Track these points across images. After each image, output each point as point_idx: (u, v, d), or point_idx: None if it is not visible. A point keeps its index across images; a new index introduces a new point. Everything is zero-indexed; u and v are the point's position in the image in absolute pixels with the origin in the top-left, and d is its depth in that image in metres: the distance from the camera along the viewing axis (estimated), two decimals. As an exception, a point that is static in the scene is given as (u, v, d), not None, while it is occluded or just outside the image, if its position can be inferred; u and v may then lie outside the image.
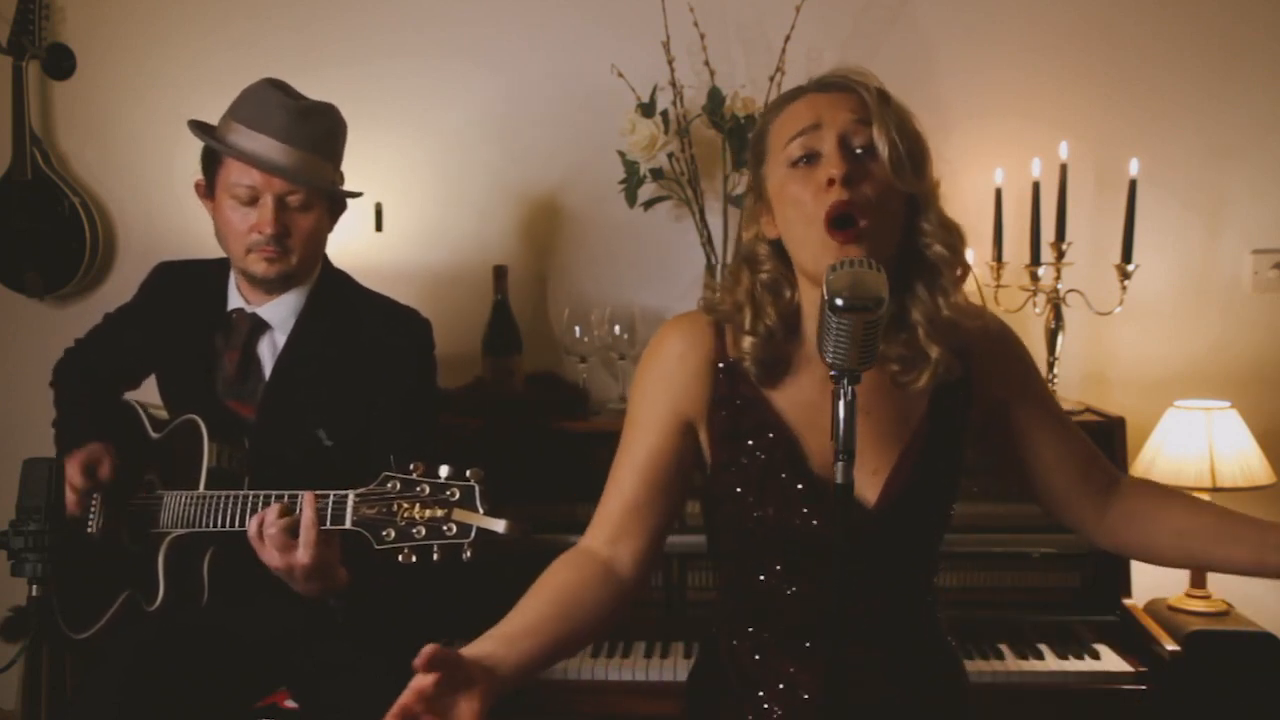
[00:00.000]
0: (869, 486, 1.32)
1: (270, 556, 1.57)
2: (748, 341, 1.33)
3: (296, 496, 1.59)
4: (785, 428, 1.34)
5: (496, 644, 1.23)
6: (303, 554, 1.55)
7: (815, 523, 1.31)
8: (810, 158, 1.28)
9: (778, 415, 1.34)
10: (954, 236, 1.33)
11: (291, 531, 1.55)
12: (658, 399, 1.37)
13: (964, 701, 1.44)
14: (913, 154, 1.28)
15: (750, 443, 1.34)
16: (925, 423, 1.35)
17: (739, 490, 1.35)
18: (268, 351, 1.88)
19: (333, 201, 1.90)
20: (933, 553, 1.43)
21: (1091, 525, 1.46)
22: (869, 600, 1.32)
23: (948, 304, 1.31)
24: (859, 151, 1.27)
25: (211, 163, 1.85)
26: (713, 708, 1.43)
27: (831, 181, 1.24)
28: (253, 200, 1.80)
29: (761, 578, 1.36)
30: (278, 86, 1.84)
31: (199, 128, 1.86)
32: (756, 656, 1.38)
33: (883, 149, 1.26)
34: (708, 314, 1.39)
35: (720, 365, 1.36)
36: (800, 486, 1.32)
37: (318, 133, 1.82)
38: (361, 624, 1.80)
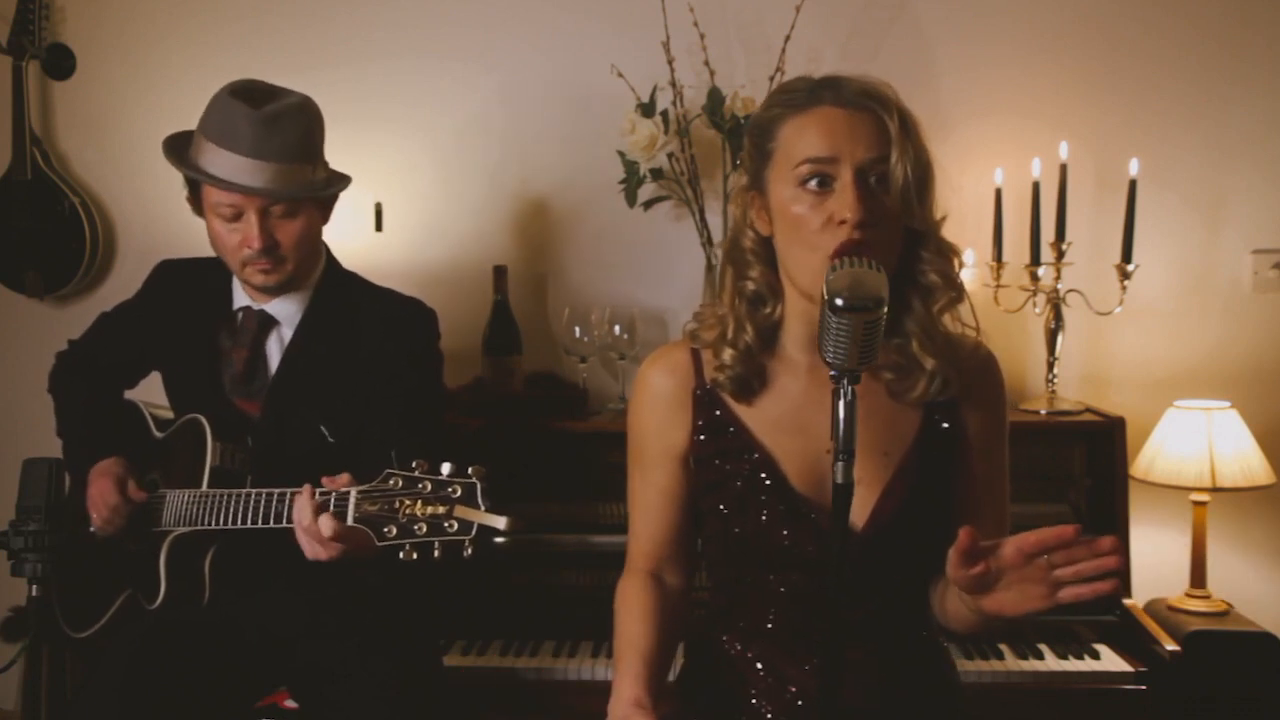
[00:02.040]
0: (855, 507, 1.28)
1: (315, 551, 1.56)
2: (727, 354, 1.35)
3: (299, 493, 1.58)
4: (762, 449, 1.35)
5: (647, 684, 1.33)
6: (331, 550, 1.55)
7: (798, 541, 1.32)
8: (823, 181, 1.26)
9: (754, 437, 1.35)
10: (950, 264, 1.34)
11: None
12: (655, 435, 1.42)
13: (956, 703, 1.43)
14: (923, 186, 1.28)
15: (730, 465, 1.36)
16: (917, 443, 1.35)
17: (722, 510, 1.36)
18: (275, 348, 1.87)
19: (321, 199, 1.87)
20: (927, 569, 1.39)
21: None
22: (860, 606, 1.32)
23: (941, 319, 1.33)
24: (873, 182, 1.26)
25: (194, 182, 1.82)
26: (704, 707, 1.43)
27: (843, 222, 1.24)
28: (237, 216, 1.77)
29: (750, 583, 1.37)
30: (240, 95, 1.77)
31: (172, 150, 1.82)
32: (748, 655, 1.38)
33: (898, 185, 1.25)
34: (691, 341, 1.41)
35: (698, 392, 1.39)
36: (781, 509, 1.33)
37: (288, 139, 1.77)
38: (362, 624, 1.80)
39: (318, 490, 1.54)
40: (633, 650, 1.35)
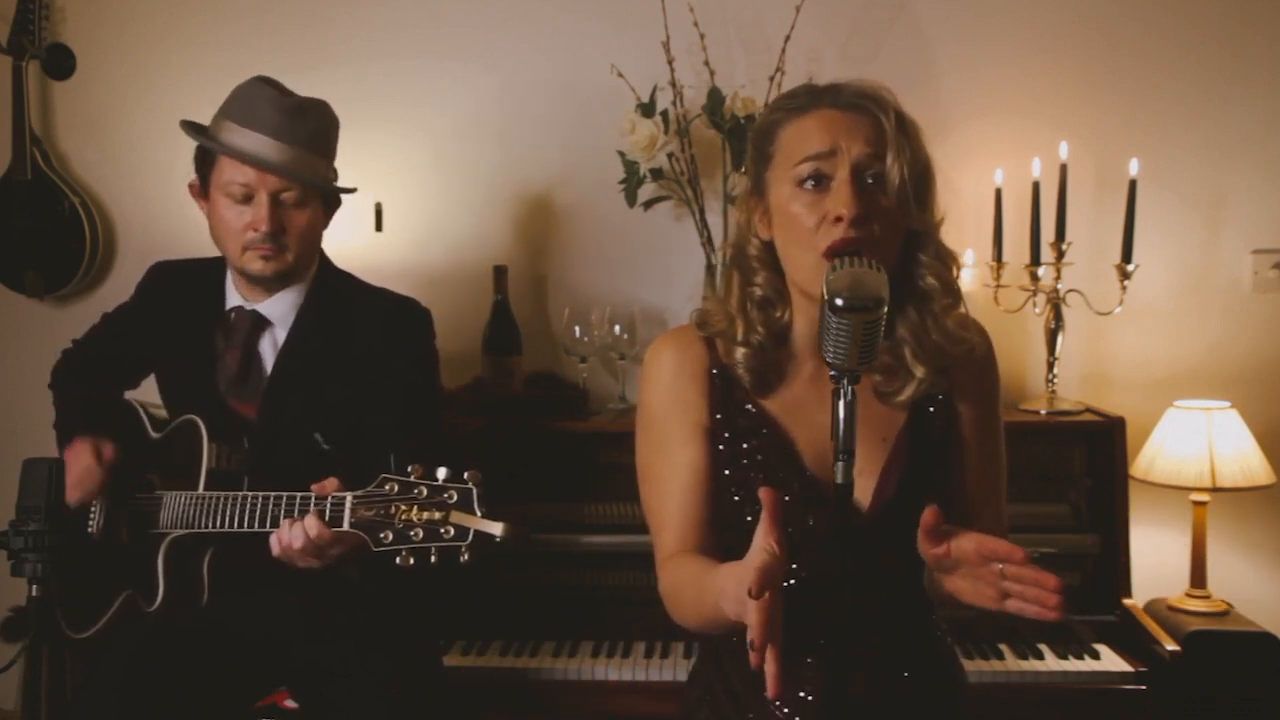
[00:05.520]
0: (860, 488, 1.31)
1: (309, 564, 1.60)
2: (740, 352, 1.35)
3: (295, 499, 1.59)
4: (779, 430, 1.35)
5: None
6: (335, 552, 1.60)
7: (811, 522, 1.32)
8: (819, 180, 1.28)
9: (771, 418, 1.36)
10: (948, 269, 1.34)
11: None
12: (677, 413, 1.39)
13: (960, 700, 1.44)
14: (921, 187, 1.29)
15: (745, 445, 1.36)
16: (906, 428, 1.36)
17: (735, 491, 1.36)
18: (269, 349, 1.87)
19: (327, 198, 1.89)
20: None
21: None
22: (865, 597, 1.33)
23: (936, 327, 1.33)
24: (869, 181, 1.27)
25: (205, 162, 1.84)
26: (712, 705, 1.43)
27: (839, 219, 1.25)
28: (247, 198, 1.79)
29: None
30: (269, 84, 1.83)
31: (191, 127, 1.85)
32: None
33: (894, 184, 1.26)
34: (699, 329, 1.41)
35: (714, 371, 1.38)
36: (796, 486, 1.33)
37: (310, 129, 1.81)
38: (362, 623, 1.80)
39: (313, 498, 1.56)
40: (708, 569, 1.21)
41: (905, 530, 1.34)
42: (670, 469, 1.38)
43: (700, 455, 1.37)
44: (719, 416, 1.37)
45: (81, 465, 1.80)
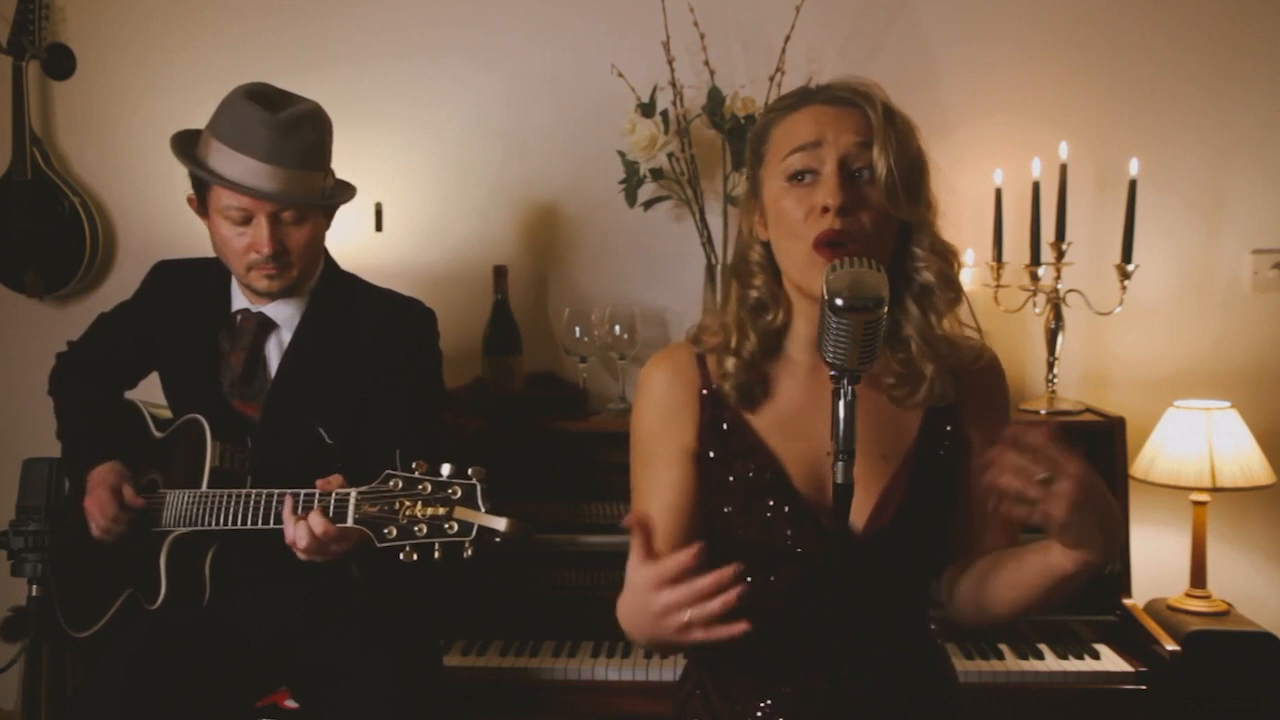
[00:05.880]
0: (855, 509, 1.28)
1: (312, 559, 1.60)
2: (730, 363, 1.35)
3: (299, 495, 1.59)
4: (768, 451, 1.35)
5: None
6: (338, 548, 1.59)
7: (801, 542, 1.32)
8: (808, 174, 1.28)
9: (760, 439, 1.35)
10: (946, 262, 1.33)
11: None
12: (663, 434, 1.39)
13: (953, 703, 1.44)
14: (911, 178, 1.28)
15: (735, 466, 1.36)
16: (917, 446, 1.35)
17: (726, 511, 1.36)
18: (274, 350, 1.87)
19: (328, 206, 1.88)
20: (926, 574, 1.40)
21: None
22: (859, 606, 1.32)
23: (939, 323, 1.33)
24: (858, 173, 1.27)
25: (201, 182, 1.80)
26: (703, 699, 1.43)
27: (826, 209, 1.25)
28: (246, 220, 1.77)
29: (752, 583, 1.36)
30: (256, 98, 1.77)
31: (181, 149, 1.81)
32: (750, 654, 1.38)
33: (881, 175, 1.26)
34: (693, 345, 1.41)
35: (704, 393, 1.38)
36: (786, 509, 1.33)
37: (304, 145, 1.77)
38: (363, 622, 1.80)
39: (317, 494, 1.55)
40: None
41: (899, 551, 1.33)
42: (650, 486, 1.39)
43: (681, 477, 1.38)
44: (707, 439, 1.37)
45: (106, 514, 1.77)
